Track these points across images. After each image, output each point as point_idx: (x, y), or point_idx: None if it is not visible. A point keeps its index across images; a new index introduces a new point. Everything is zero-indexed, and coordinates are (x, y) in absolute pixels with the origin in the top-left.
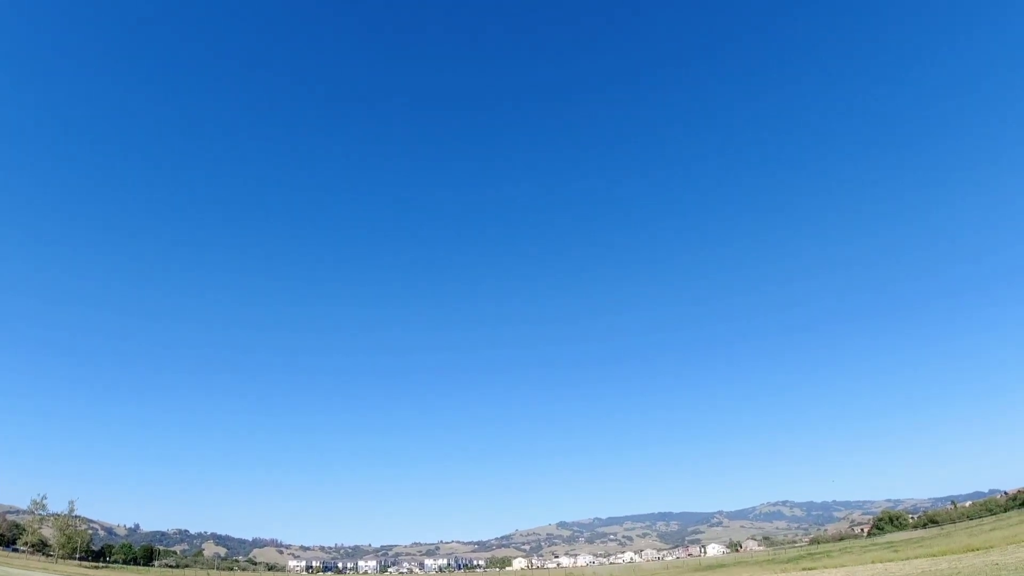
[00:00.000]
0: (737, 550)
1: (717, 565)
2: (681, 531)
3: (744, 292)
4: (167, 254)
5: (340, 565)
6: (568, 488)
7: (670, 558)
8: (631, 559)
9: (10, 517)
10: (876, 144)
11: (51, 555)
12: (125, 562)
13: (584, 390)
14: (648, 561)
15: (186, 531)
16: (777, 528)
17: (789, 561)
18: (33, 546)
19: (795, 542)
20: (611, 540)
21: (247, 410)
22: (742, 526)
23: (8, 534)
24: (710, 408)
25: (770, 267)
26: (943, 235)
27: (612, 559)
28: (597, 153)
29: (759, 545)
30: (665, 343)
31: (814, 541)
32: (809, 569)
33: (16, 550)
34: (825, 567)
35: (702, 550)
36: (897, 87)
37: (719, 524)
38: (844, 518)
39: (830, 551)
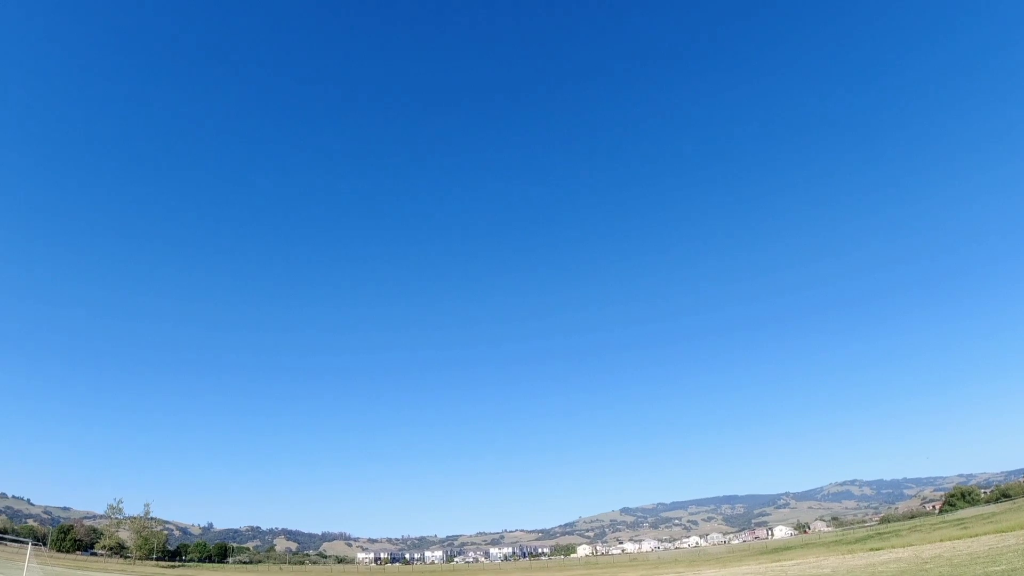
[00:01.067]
0: (805, 532)
1: (783, 548)
2: (747, 514)
3: (799, 266)
4: (219, 258)
5: (407, 556)
6: (631, 474)
7: (736, 541)
8: (696, 543)
9: (87, 522)
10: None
11: (129, 557)
12: (200, 560)
13: (645, 374)
14: (714, 545)
15: (258, 527)
16: (846, 508)
17: (856, 542)
18: (111, 549)
19: (864, 522)
20: (675, 525)
21: (314, 408)
22: (810, 507)
23: (86, 539)
24: (774, 388)
25: (829, 241)
26: (990, 201)
27: (677, 544)
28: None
29: (827, 526)
30: (726, 323)
31: (883, 520)
32: (876, 549)
33: (95, 554)
34: (892, 547)
35: (769, 533)
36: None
37: (786, 506)
38: (915, 495)
39: (898, 530)
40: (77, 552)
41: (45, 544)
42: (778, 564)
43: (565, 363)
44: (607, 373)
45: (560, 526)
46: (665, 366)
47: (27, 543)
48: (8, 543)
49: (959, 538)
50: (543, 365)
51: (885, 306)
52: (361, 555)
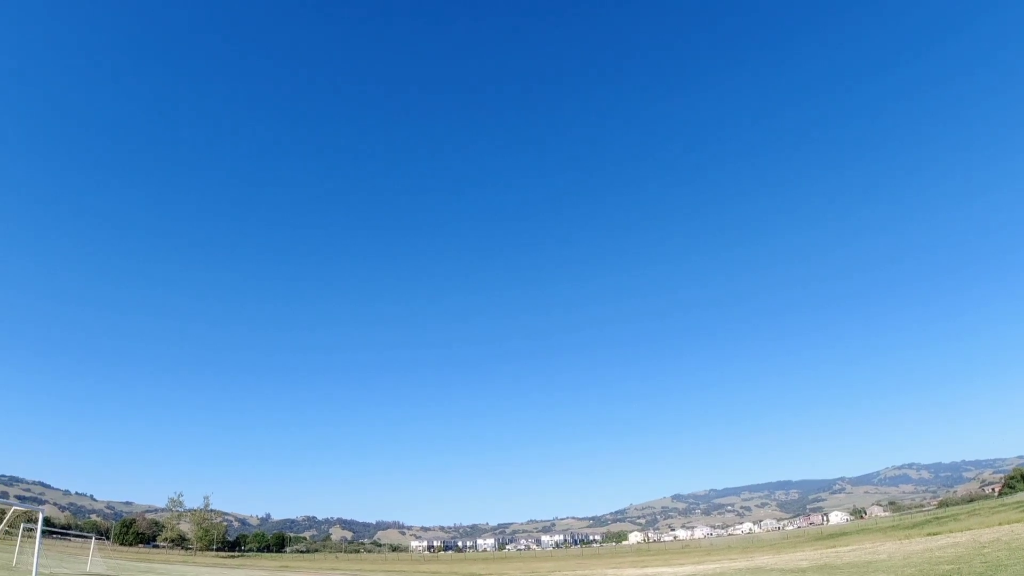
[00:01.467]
0: (861, 517)
1: (839, 534)
2: (802, 499)
3: (848, 248)
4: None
5: (459, 544)
6: (682, 460)
7: (790, 528)
8: (749, 530)
9: (149, 516)
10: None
11: (190, 548)
12: (259, 550)
13: (698, 359)
14: (767, 532)
15: (313, 517)
16: (903, 492)
17: (914, 527)
18: (172, 541)
19: (922, 506)
20: (728, 511)
21: (367, 401)
22: (866, 492)
23: (148, 532)
24: (830, 371)
25: (878, 226)
26: None
27: (730, 531)
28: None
29: (884, 511)
30: (781, 306)
31: (942, 504)
32: (934, 534)
33: (157, 546)
34: (950, 531)
35: (824, 518)
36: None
37: (841, 491)
38: (974, 478)
39: (957, 514)
40: (139, 545)
41: (108, 538)
42: (833, 550)
43: (616, 350)
44: (659, 359)
45: (611, 513)
46: (718, 350)
47: (91, 537)
48: (72, 538)
49: (1018, 521)
50: (595, 353)
51: (942, 285)
52: (414, 543)
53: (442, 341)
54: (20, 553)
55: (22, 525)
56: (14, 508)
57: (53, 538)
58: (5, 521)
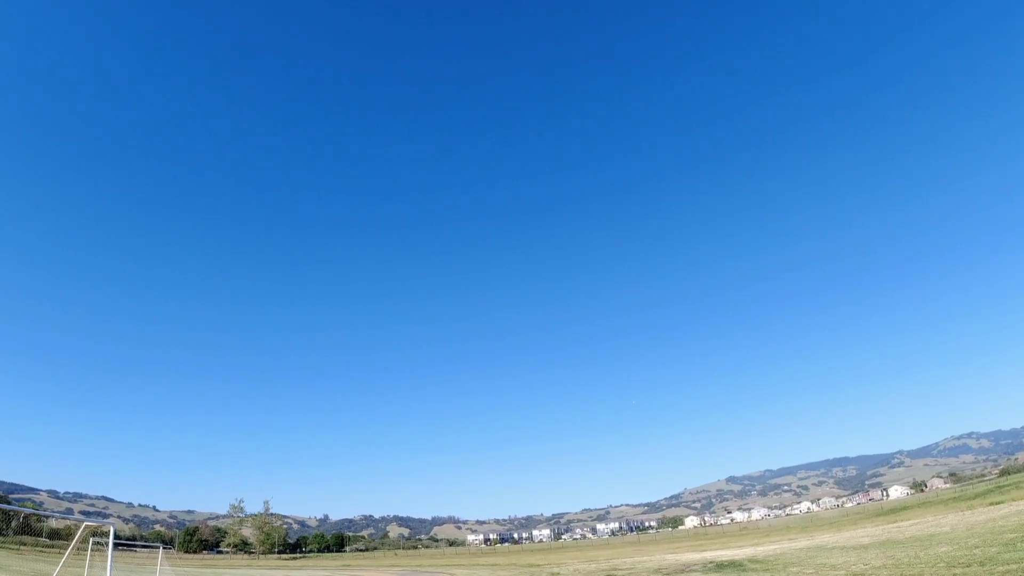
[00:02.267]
0: (921, 490)
1: (900, 508)
2: (860, 476)
3: (901, 209)
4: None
5: (515, 536)
6: (736, 442)
7: (849, 505)
8: (808, 509)
9: (211, 522)
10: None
11: (252, 552)
12: (320, 551)
13: (747, 340)
14: (826, 510)
15: (371, 516)
16: (963, 463)
17: (976, 497)
18: (235, 546)
19: (983, 476)
20: (785, 491)
21: (420, 398)
22: (925, 464)
23: (211, 538)
24: (881, 343)
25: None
26: None
27: (788, 511)
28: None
29: (945, 483)
30: (829, 279)
31: (1003, 473)
32: (996, 503)
33: (220, 552)
34: (1013, 499)
35: (884, 494)
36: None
37: (900, 464)
38: None
39: (1020, 482)
40: (203, 552)
41: (173, 547)
42: (895, 525)
43: (665, 333)
44: (708, 340)
45: (666, 498)
46: (768, 328)
47: (157, 547)
48: (139, 549)
49: None
50: (643, 338)
51: (998, 247)
52: (471, 537)
53: (494, 334)
54: (90, 567)
55: (91, 539)
56: (85, 524)
57: (120, 550)
58: (77, 537)
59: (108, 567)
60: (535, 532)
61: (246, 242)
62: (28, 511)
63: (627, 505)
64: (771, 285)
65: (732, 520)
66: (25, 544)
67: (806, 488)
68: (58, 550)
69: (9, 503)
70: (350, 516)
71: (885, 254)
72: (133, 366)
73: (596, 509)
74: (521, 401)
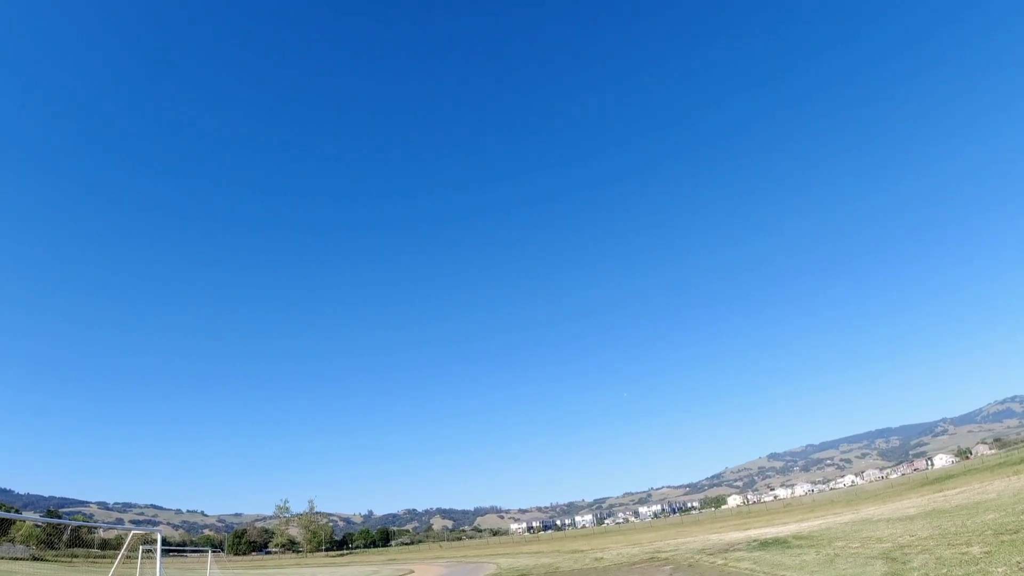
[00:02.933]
0: (967, 457)
1: (945, 477)
2: (903, 446)
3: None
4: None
5: (558, 523)
6: (776, 418)
7: (894, 476)
8: (852, 482)
9: (259, 524)
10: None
11: (300, 551)
12: (366, 546)
13: (783, 316)
14: (870, 482)
15: (414, 509)
16: (1008, 428)
17: (1021, 462)
18: (283, 546)
19: None
20: (828, 465)
21: (458, 393)
22: (970, 431)
23: (259, 540)
24: (920, 311)
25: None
26: None
27: (831, 485)
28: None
29: (990, 449)
30: (866, 247)
31: None
32: None
33: (269, 552)
34: None
35: (928, 463)
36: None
37: (944, 433)
38: None
39: None
40: (252, 553)
41: (223, 550)
42: (941, 494)
43: (698, 314)
44: (744, 318)
45: (707, 478)
46: (804, 302)
47: (206, 551)
48: (189, 554)
49: None
50: (677, 320)
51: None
52: (514, 526)
53: (527, 324)
54: (141, 574)
55: (140, 547)
56: (133, 532)
57: (171, 556)
58: (125, 546)
59: (158, 572)
60: (577, 518)
61: (276, 251)
62: (77, 523)
63: (668, 487)
64: (801, 260)
65: (775, 497)
66: (77, 556)
67: (849, 461)
68: (109, 560)
69: (60, 517)
70: (394, 511)
71: (920, 222)
72: (177, 379)
73: (638, 492)
74: (559, 390)
